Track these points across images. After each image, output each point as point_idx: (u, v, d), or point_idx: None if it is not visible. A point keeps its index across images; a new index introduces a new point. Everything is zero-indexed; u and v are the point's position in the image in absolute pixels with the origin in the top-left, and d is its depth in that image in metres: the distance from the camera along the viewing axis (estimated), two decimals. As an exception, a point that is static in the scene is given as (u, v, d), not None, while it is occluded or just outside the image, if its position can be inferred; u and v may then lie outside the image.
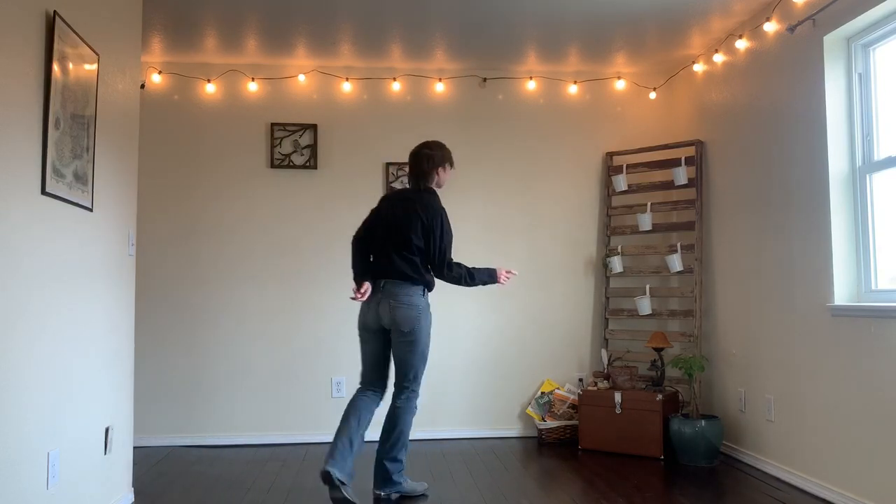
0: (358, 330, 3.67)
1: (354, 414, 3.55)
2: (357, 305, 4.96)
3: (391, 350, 3.64)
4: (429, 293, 3.63)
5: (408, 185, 3.89)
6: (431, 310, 3.64)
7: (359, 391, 3.66)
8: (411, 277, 3.55)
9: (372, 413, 3.61)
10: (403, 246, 3.56)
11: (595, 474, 4.03)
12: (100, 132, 3.10)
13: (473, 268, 3.68)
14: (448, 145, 5.21)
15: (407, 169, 5.06)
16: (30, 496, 2.48)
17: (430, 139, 3.83)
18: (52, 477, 2.63)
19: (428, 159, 3.70)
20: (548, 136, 5.24)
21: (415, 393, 3.65)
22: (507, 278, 3.76)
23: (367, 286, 3.55)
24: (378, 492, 3.61)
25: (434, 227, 3.58)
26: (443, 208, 3.65)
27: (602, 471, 4.10)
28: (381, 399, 3.67)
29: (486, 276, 3.69)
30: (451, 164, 3.80)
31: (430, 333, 3.61)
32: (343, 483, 3.34)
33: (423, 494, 3.67)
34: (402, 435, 3.61)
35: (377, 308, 3.56)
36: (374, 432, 3.64)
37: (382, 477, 3.61)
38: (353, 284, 3.63)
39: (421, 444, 4.79)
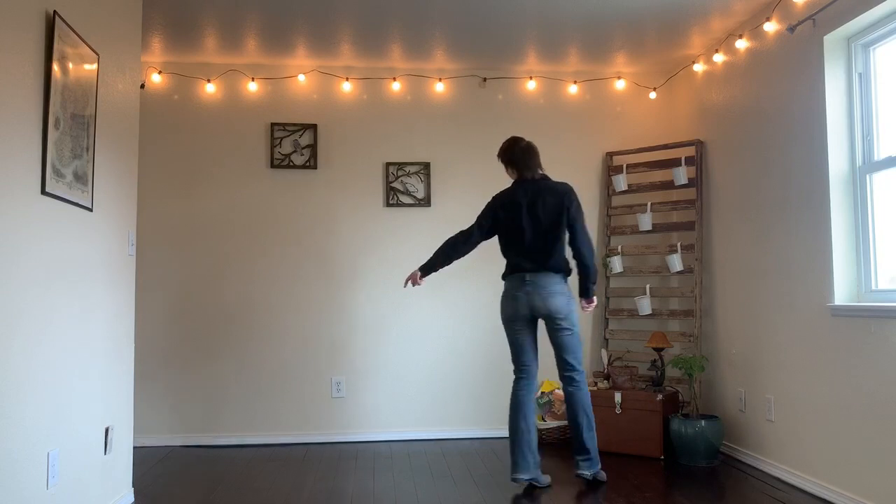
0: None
1: (522, 415, 3.77)
2: (357, 305, 5.00)
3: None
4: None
5: (523, 178, 3.89)
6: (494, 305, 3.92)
7: (518, 381, 3.84)
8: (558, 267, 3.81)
9: (533, 403, 3.84)
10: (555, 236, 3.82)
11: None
12: (100, 132, 3.10)
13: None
14: (447, 145, 5.26)
15: (409, 169, 5.09)
16: (30, 496, 2.48)
17: (518, 137, 3.97)
18: (52, 477, 2.63)
19: (534, 150, 3.89)
20: (548, 136, 5.24)
21: (583, 374, 3.84)
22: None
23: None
24: (582, 473, 3.81)
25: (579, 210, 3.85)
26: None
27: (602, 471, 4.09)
28: (533, 385, 3.85)
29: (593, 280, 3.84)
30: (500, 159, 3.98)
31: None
32: (536, 479, 3.75)
33: (599, 481, 3.82)
34: (591, 416, 3.84)
35: (527, 300, 3.77)
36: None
37: (587, 457, 3.81)
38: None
39: (421, 444, 4.80)
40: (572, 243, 3.78)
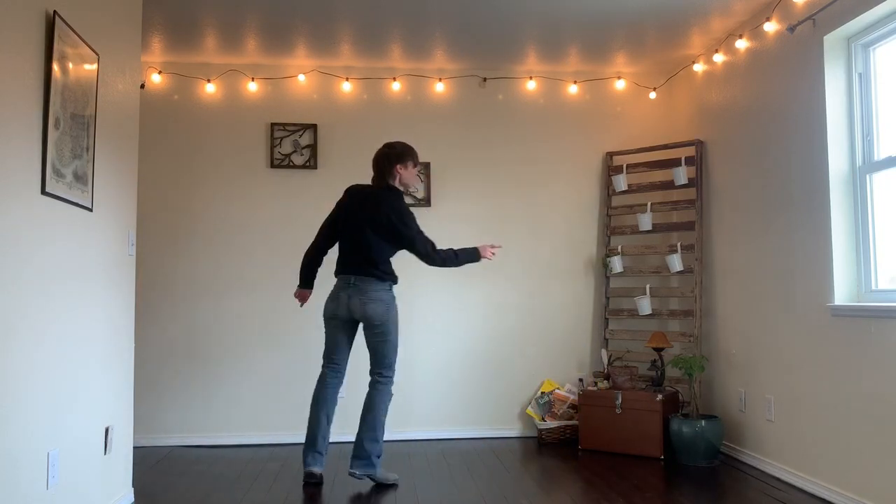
0: (326, 318, 3.91)
1: (323, 409, 3.88)
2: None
3: (365, 340, 3.91)
4: (395, 286, 3.90)
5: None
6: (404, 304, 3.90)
7: (324, 375, 3.93)
8: (380, 275, 3.82)
9: (336, 402, 3.94)
10: (375, 244, 3.82)
11: (595, 474, 4.03)
12: (100, 132, 3.10)
13: (459, 249, 3.90)
14: (448, 145, 5.23)
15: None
16: (30, 496, 2.48)
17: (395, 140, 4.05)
18: (52, 477, 2.63)
19: (385, 158, 3.89)
20: (548, 136, 5.24)
21: (389, 380, 3.91)
22: (493, 253, 3.97)
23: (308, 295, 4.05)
24: (353, 471, 3.83)
25: (403, 223, 3.80)
26: (407, 206, 3.89)
27: (602, 471, 4.10)
28: (341, 382, 3.96)
29: (472, 256, 3.90)
30: (414, 163, 3.96)
31: (397, 325, 3.88)
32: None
33: (393, 484, 3.84)
34: (376, 419, 3.85)
35: (348, 302, 3.81)
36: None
37: (359, 456, 3.83)
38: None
39: (421, 445, 4.79)
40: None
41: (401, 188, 3.92)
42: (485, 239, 5.11)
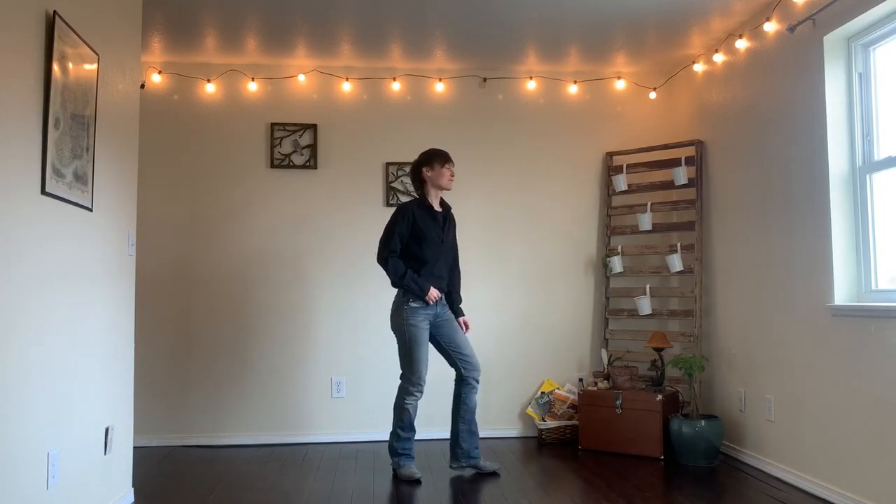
0: None
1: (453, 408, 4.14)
2: (357, 305, 5.00)
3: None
4: (409, 294, 3.98)
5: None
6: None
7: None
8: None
9: (461, 401, 4.08)
10: None
11: (595, 474, 4.03)
12: (100, 132, 3.10)
13: (411, 276, 3.94)
14: (448, 145, 5.22)
15: (407, 168, 5.10)
16: (30, 496, 2.48)
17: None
18: (52, 477, 2.63)
19: (413, 169, 4.16)
20: (548, 136, 5.24)
21: (404, 383, 4.05)
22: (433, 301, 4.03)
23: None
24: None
25: None
26: (395, 212, 4.06)
27: (602, 471, 4.10)
28: (463, 384, 4.09)
29: (418, 288, 3.95)
30: (440, 163, 4.09)
31: (405, 330, 3.97)
32: (469, 466, 4.05)
33: (416, 480, 3.92)
34: (393, 416, 4.07)
35: None
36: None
37: None
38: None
39: (421, 444, 4.79)
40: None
41: (434, 189, 4.09)
42: (485, 240, 5.12)
